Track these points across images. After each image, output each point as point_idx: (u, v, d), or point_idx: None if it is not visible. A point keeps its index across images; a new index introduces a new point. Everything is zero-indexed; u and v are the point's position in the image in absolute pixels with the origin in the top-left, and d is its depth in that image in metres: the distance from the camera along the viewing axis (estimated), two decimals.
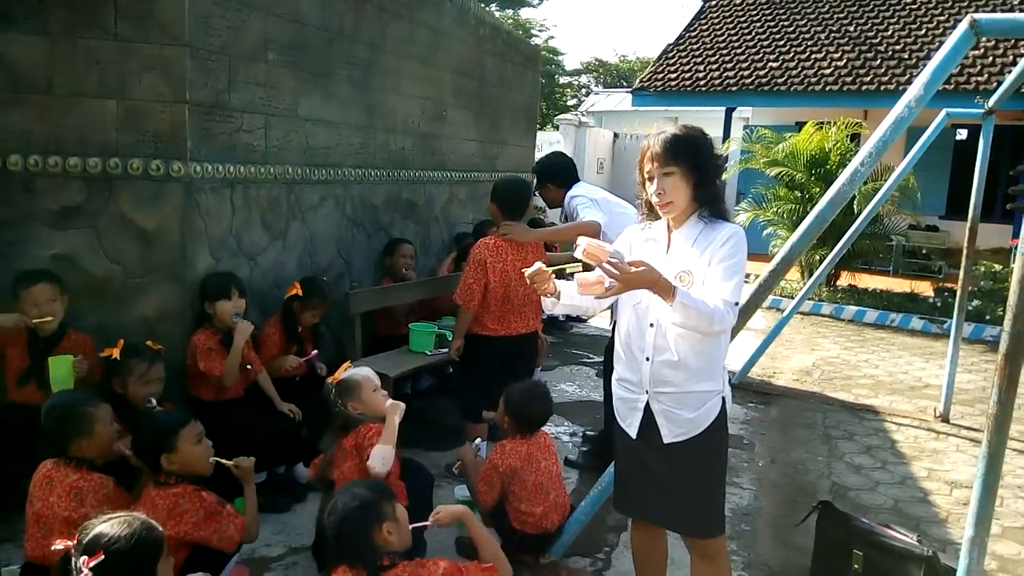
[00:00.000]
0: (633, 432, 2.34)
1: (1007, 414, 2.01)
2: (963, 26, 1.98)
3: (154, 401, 3.02)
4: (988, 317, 8.00)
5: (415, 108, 5.20)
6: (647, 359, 2.25)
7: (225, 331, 3.41)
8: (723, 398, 2.29)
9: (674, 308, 2.06)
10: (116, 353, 3.03)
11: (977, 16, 1.95)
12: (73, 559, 1.75)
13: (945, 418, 5.26)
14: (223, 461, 2.57)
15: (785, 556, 3.32)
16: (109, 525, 1.80)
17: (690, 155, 2.15)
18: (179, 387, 3.40)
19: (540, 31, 28.99)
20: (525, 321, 3.92)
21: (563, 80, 31.96)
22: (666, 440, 2.27)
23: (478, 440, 3.51)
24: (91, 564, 1.70)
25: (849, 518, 2.97)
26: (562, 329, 7.18)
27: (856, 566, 2.84)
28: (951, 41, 2.04)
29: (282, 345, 3.79)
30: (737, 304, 2.15)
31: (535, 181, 4.36)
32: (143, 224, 3.34)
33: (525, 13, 28.33)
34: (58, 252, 3.31)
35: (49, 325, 3.12)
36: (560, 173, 4.27)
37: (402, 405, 2.83)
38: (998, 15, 2.00)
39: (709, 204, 2.21)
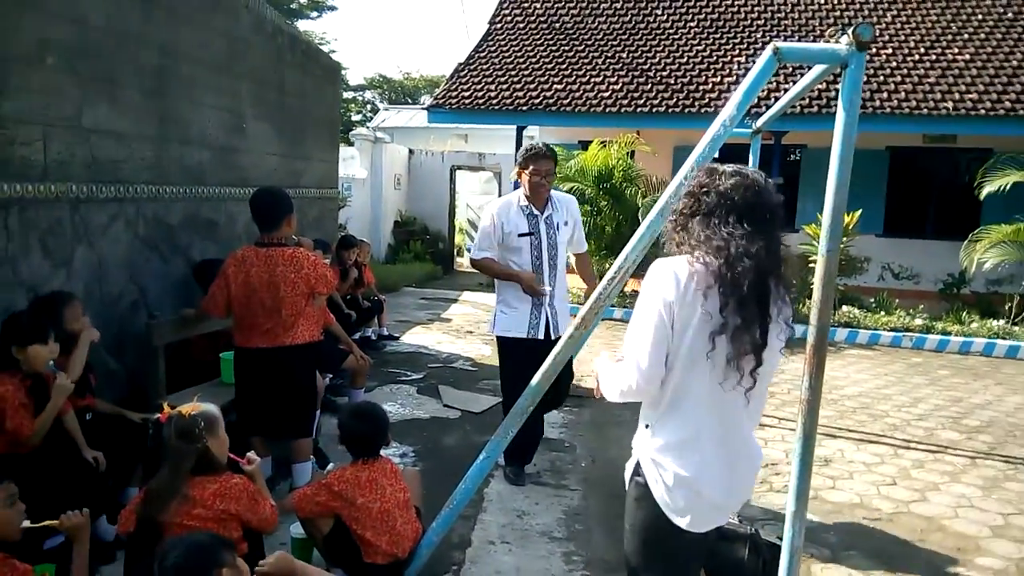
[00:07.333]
0: None
1: (817, 399, 2.27)
2: (767, 53, 2.23)
3: None
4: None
5: (213, 119, 4.84)
6: None
7: (34, 377, 2.93)
8: (636, 462, 2.12)
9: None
10: None
11: (779, 44, 2.21)
12: None
13: None
14: (46, 523, 2.24)
15: (620, 551, 3.48)
16: None
17: None
18: None
19: (321, 43, 28.29)
20: (267, 336, 3.67)
21: (347, 95, 31.46)
22: None
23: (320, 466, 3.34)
24: None
25: None
26: (376, 348, 7.03)
27: None
28: (758, 66, 2.29)
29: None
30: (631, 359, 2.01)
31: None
32: None
33: (303, 25, 27.50)
34: None
35: None
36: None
37: (259, 461, 2.80)
38: (796, 44, 2.30)
39: None
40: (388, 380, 6.12)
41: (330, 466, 3.33)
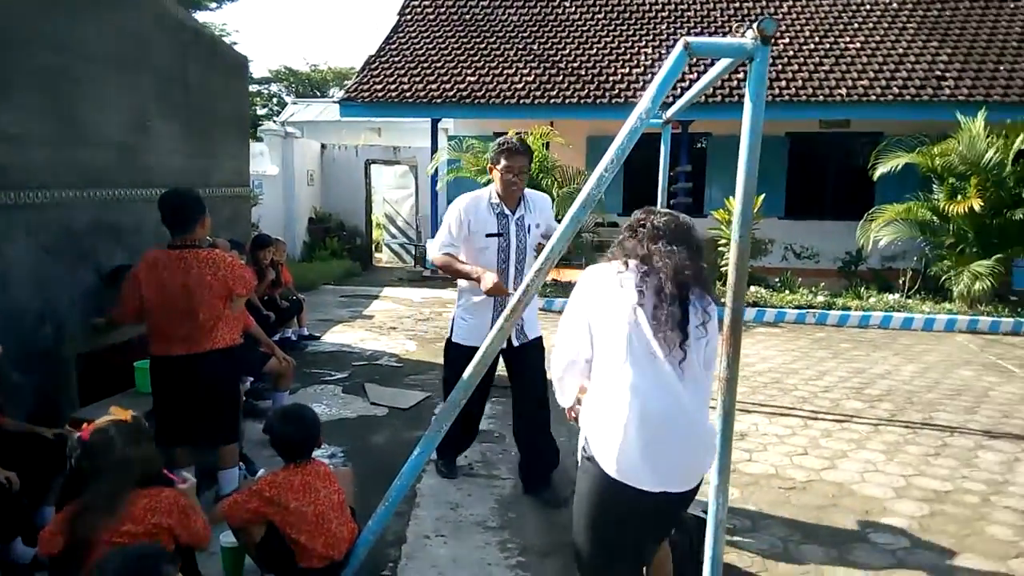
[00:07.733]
0: None
1: (734, 377, 2.38)
2: (678, 48, 2.30)
3: None
4: None
5: (115, 118, 4.63)
6: None
7: None
8: (585, 437, 2.36)
9: None
10: None
11: (689, 40, 2.28)
12: None
13: None
14: None
15: (554, 536, 3.57)
16: None
17: None
18: None
19: (222, 35, 27.23)
20: (185, 343, 3.55)
21: (252, 88, 30.44)
22: None
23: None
24: None
25: None
26: (297, 349, 6.88)
27: None
28: (669, 61, 2.34)
29: None
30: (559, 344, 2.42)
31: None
32: None
33: (203, 16, 26.36)
34: None
35: None
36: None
37: (193, 480, 2.73)
38: (705, 39, 2.35)
39: None
40: (312, 381, 6.02)
41: (260, 472, 3.26)
